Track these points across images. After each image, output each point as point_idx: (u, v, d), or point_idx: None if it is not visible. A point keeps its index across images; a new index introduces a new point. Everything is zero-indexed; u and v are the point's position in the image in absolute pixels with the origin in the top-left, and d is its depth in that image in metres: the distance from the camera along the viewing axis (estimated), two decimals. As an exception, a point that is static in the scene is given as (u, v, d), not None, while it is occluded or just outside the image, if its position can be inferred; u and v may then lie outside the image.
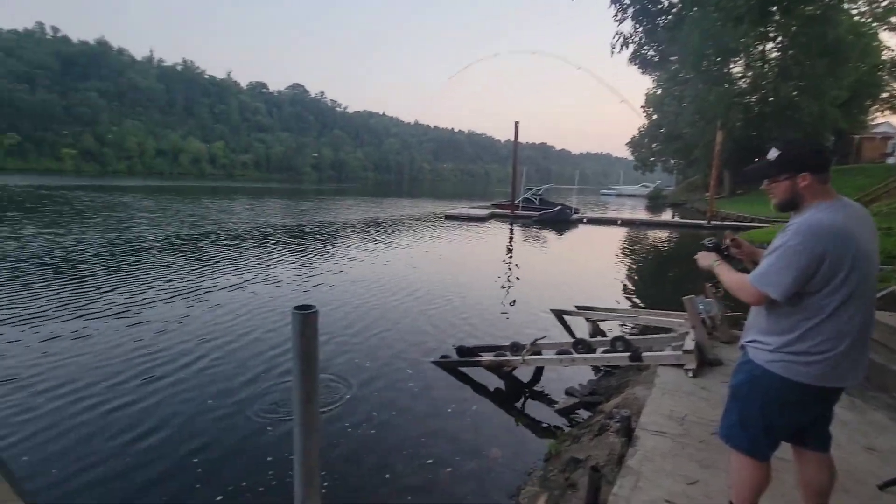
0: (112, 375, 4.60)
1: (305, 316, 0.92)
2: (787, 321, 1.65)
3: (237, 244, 12.87)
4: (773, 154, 1.68)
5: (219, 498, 2.98)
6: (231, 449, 3.51)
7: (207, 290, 7.91)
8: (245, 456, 3.43)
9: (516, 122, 26.29)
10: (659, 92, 45.06)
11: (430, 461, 3.45)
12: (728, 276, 1.84)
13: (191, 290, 7.85)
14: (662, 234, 21.02)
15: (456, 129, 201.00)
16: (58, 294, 7.25)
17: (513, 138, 27.01)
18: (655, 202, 47.03)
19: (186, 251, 11.51)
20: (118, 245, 11.71)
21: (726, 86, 30.24)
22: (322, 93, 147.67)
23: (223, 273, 9.23)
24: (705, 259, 1.98)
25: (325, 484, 3.11)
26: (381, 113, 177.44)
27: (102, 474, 3.18)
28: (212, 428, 3.78)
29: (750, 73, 31.61)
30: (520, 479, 3.24)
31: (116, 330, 5.86)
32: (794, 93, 28.42)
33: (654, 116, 46.83)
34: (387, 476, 3.24)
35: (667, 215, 31.79)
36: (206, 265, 9.93)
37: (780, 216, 22.08)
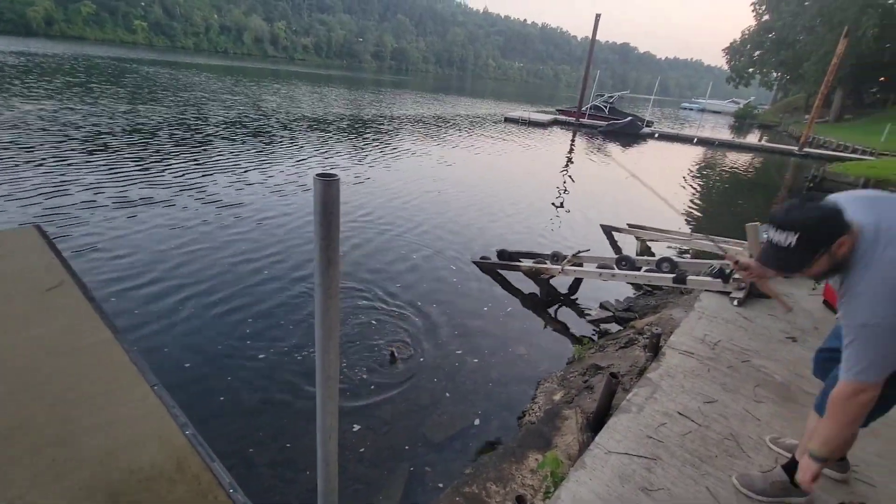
0: (181, 244, 5.09)
1: (327, 183, 0.91)
2: None
3: (300, 134, 13.07)
4: (788, 238, 1.30)
5: (261, 355, 3.39)
6: (275, 312, 3.91)
7: (270, 174, 8.25)
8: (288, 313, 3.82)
9: (597, 15, 23.41)
10: (779, -15, 37.77)
11: (459, 351, 3.69)
12: (824, 433, 1.47)
13: (257, 170, 8.23)
14: (743, 157, 19.10)
15: (528, 21, 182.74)
16: (154, 167, 7.84)
17: (590, 36, 24.24)
18: (743, 122, 42.08)
19: (257, 137, 11.86)
20: (204, 127, 12.22)
21: (868, -20, 24.88)
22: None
23: (286, 160, 9.52)
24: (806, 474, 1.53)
25: (353, 356, 3.43)
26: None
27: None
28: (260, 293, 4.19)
29: (904, -35, 25.57)
30: (540, 376, 3.43)
31: (191, 204, 6.34)
32: (957, -5, 22.94)
33: (766, 17, 39.79)
34: (421, 360, 3.51)
35: (753, 137, 28.57)
36: (273, 153, 10.25)
37: (887, 149, 19.23)
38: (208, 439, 1.94)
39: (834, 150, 20.70)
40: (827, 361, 1.80)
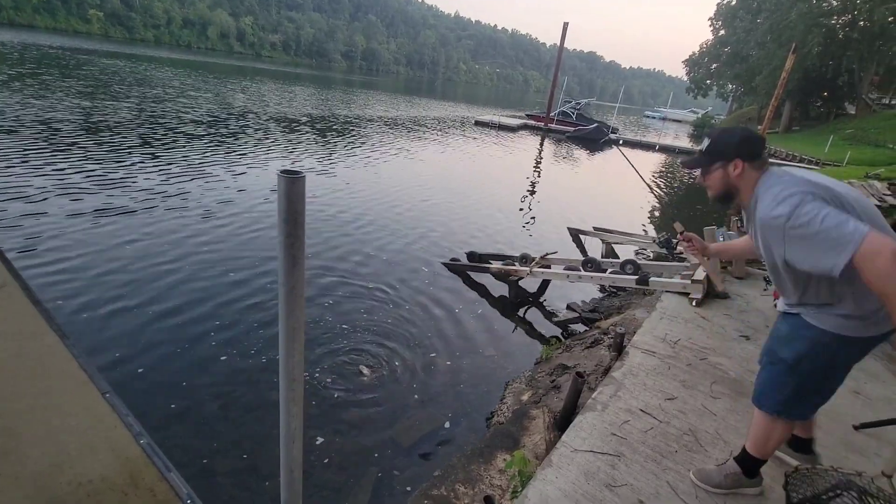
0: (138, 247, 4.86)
1: (292, 180, 0.89)
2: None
3: (269, 134, 12.74)
4: (704, 143, 1.60)
5: (222, 357, 3.28)
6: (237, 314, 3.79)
7: (236, 173, 8.00)
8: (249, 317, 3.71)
9: (565, 24, 23.96)
10: (734, 3, 39.75)
11: (429, 353, 3.67)
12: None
13: (222, 170, 7.95)
14: (701, 165, 19.92)
15: (499, 27, 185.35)
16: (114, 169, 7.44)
17: (559, 43, 24.79)
18: (701, 130, 43.99)
19: (223, 136, 11.47)
20: (166, 124, 11.70)
21: (814, 1, 26.49)
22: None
23: (253, 160, 9.26)
24: None
25: (319, 359, 3.37)
26: (419, 0, 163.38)
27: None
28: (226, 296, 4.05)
29: (844, -11, 27.35)
30: (509, 376, 3.46)
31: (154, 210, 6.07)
32: (890, 18, 24.70)
33: (722, 32, 41.77)
34: (390, 363, 3.48)
35: (710, 146, 29.82)
36: (240, 152, 9.94)
37: (830, 159, 20.53)
38: (165, 448, 1.85)
39: (783, 160, 21.95)
40: None
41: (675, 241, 1.94)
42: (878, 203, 10.13)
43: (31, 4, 60.03)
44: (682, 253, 1.92)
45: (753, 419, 1.79)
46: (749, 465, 1.84)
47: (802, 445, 2.01)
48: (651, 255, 6.48)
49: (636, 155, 20.23)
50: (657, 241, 1.98)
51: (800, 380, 1.60)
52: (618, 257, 5.96)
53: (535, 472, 1.95)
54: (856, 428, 2.43)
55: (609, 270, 4.49)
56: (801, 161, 21.05)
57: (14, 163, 6.65)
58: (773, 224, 1.37)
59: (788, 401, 1.64)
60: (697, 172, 1.67)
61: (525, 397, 2.94)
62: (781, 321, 1.68)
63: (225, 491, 2.28)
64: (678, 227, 2.10)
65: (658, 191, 12.66)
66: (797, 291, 1.53)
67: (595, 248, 6.52)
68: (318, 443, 2.65)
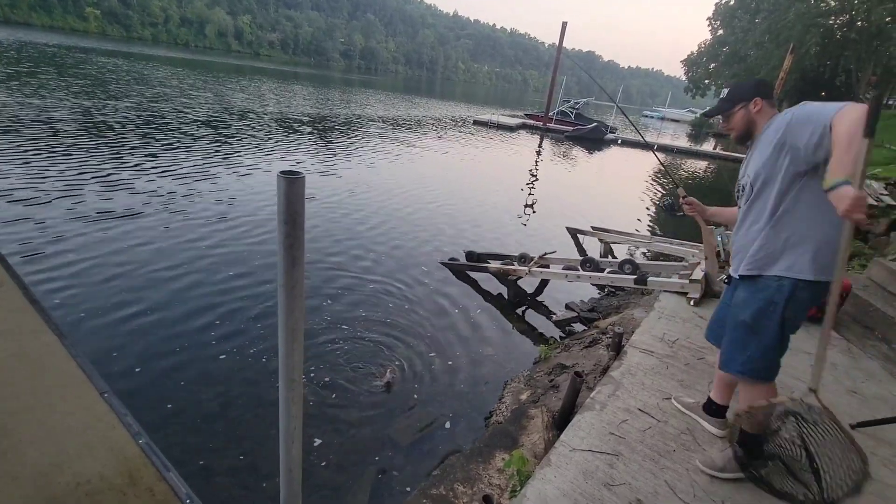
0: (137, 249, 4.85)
1: (292, 181, 0.89)
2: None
3: (269, 133, 12.71)
4: (725, 91, 1.89)
5: (222, 356, 3.28)
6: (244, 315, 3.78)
7: (236, 172, 7.99)
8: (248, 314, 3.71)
9: (564, 23, 23.92)
10: (732, 2, 39.80)
11: (427, 353, 3.68)
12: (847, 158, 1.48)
13: (222, 168, 7.94)
14: (699, 164, 19.97)
15: (497, 26, 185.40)
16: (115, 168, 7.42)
17: (557, 42, 24.76)
18: (699, 130, 44.09)
19: (222, 135, 11.45)
20: (165, 124, 11.67)
21: (811, 1, 26.57)
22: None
23: (253, 159, 9.24)
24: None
25: (317, 359, 3.37)
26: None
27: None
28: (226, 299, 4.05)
29: (842, -11, 27.43)
30: (508, 376, 3.46)
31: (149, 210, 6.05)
32: (888, 18, 24.76)
33: (720, 32, 41.83)
34: (395, 363, 3.48)
35: (708, 146, 29.90)
36: (239, 152, 9.92)
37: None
38: (164, 448, 1.85)
39: (781, 159, 22.00)
40: (719, 328, 2.05)
41: (677, 206, 2.36)
42: (875, 203, 10.15)
43: (27, 2, 59.81)
44: (684, 214, 2.30)
45: (721, 380, 1.96)
46: (748, 442, 1.86)
47: (717, 410, 2.25)
48: (649, 254, 6.49)
49: (635, 154, 20.25)
50: (661, 204, 2.31)
51: (760, 337, 1.76)
52: (616, 257, 5.97)
53: (534, 472, 1.96)
54: (853, 427, 2.44)
55: (607, 270, 4.50)
56: (798, 161, 21.10)
57: (11, 163, 6.62)
58: (788, 115, 1.62)
59: (752, 359, 1.78)
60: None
61: (524, 397, 2.94)
62: (738, 289, 1.85)
63: (224, 490, 2.28)
64: (682, 192, 2.40)
65: (656, 190, 12.68)
66: (767, 213, 1.71)
67: (593, 247, 6.52)
68: (316, 443, 2.64)
